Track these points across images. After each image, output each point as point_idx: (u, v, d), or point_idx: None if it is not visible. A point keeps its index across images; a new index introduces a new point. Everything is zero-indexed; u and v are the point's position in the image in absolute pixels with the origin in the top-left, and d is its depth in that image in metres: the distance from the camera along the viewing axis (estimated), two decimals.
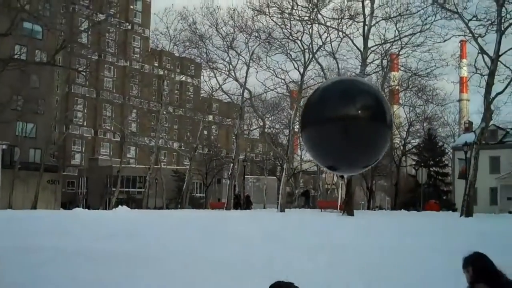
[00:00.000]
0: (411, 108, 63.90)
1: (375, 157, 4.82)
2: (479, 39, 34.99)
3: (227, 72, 49.81)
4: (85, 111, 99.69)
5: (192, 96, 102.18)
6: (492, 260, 5.08)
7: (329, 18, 42.39)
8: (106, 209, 52.94)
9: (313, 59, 43.78)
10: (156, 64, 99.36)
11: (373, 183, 70.42)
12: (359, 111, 4.33)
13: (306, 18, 42.55)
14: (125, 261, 13.79)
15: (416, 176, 60.58)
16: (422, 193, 51.01)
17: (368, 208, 64.55)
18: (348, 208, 35.49)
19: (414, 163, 73.74)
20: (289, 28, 43.73)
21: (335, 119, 4.28)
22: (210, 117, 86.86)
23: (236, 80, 49.44)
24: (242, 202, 54.99)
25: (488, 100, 33.65)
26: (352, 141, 4.34)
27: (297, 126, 41.89)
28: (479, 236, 19.49)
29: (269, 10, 43.48)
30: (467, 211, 32.46)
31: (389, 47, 44.12)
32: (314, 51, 43.29)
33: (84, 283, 10.82)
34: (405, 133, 68.68)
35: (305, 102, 4.73)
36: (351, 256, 14.08)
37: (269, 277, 12.23)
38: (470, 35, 35.43)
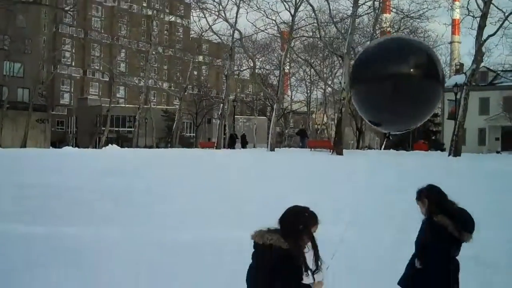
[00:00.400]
0: None
1: (427, 115, 4.90)
2: None
3: (217, 13, 48.96)
4: (73, 51, 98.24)
5: (181, 37, 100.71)
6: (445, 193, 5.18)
7: None
8: (96, 148, 52.95)
9: (304, 0, 43.12)
10: (144, 5, 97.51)
11: (363, 123, 70.66)
12: (412, 69, 4.35)
13: None
14: (117, 197, 13.91)
15: None
16: (411, 133, 51.32)
17: (357, 148, 65.02)
18: (337, 147, 35.70)
19: None
20: None
21: (388, 77, 4.31)
22: (200, 58, 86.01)
23: (226, 20, 48.66)
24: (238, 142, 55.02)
25: (479, 42, 33.50)
26: (404, 99, 4.40)
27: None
28: (467, 175, 19.75)
29: None
30: (455, 151, 32.76)
31: None
32: None
33: (77, 216, 10.92)
34: None
35: (357, 59, 4.64)
36: (340, 193, 14.24)
37: (257, 211, 12.38)
38: None
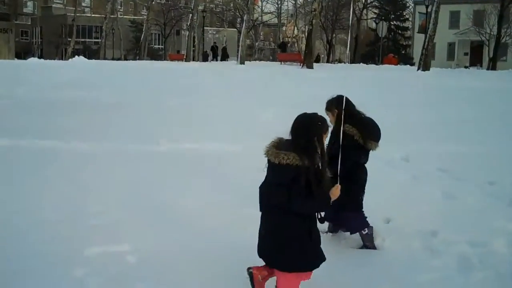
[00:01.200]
0: None
1: None
2: None
3: None
4: None
5: None
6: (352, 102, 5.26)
7: None
8: (62, 59, 51.81)
9: None
10: None
11: (333, 36, 70.24)
12: None
13: None
14: (85, 108, 13.77)
15: (376, 29, 60.39)
16: (381, 47, 51.21)
17: (328, 61, 64.86)
18: (307, 61, 35.55)
19: (374, 16, 73.33)
20: None
21: None
22: None
23: None
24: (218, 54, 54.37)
25: None
26: None
27: None
28: (435, 89, 19.96)
29: None
30: (425, 65, 32.94)
31: None
32: None
33: (44, 129, 10.80)
34: None
35: None
36: (308, 106, 14.26)
37: (228, 124, 12.40)
38: None
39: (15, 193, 6.85)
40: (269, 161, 3.93)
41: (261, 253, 4.09)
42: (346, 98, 5.08)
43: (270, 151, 3.92)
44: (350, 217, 5.38)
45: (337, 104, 5.14)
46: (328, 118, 4.77)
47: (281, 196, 3.84)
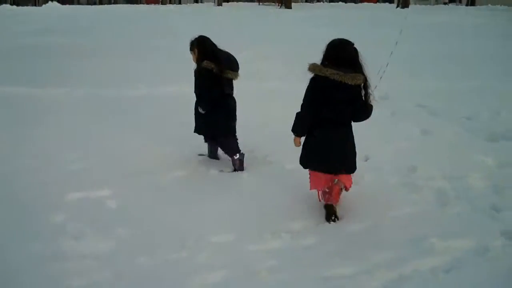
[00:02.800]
0: None
1: None
2: None
3: None
4: None
5: None
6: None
7: None
8: (35, 5, 50.52)
9: None
10: None
11: None
12: None
13: None
14: (63, 55, 13.52)
15: None
16: None
17: (307, 1, 63.96)
18: (286, 1, 35.06)
19: None
20: None
21: None
22: None
23: None
24: None
25: None
26: None
27: None
28: (413, 26, 19.82)
29: None
30: (404, 2, 32.66)
31: None
32: None
33: (19, 75, 10.61)
34: None
35: None
36: (289, 47, 14.18)
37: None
38: None
39: None
40: (340, 82, 4.47)
41: (328, 166, 4.75)
42: (205, 37, 5.79)
43: (345, 76, 4.47)
44: (224, 141, 5.94)
45: (197, 44, 5.74)
46: (192, 57, 5.70)
47: (357, 111, 4.69)
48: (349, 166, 4.81)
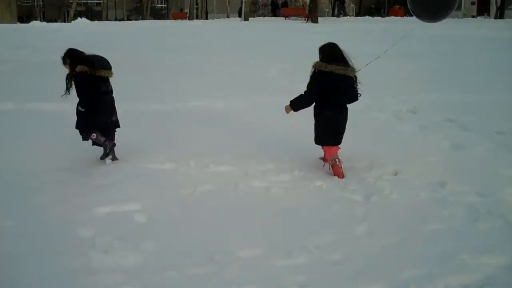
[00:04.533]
0: None
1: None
2: None
3: None
4: None
5: None
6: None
7: None
8: (64, 22, 51.38)
9: None
10: None
11: None
12: None
13: None
14: None
15: None
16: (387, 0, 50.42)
17: (333, 16, 63.98)
18: (312, 15, 35.09)
19: None
20: None
21: None
22: None
23: None
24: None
25: None
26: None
27: None
28: (441, 39, 19.67)
29: None
30: None
31: None
32: None
33: (47, 91, 10.75)
34: None
35: None
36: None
37: (229, 80, 12.34)
38: None
39: (19, 155, 6.87)
40: (343, 75, 5.89)
41: (339, 140, 6.17)
42: (72, 48, 6.43)
43: (348, 69, 5.92)
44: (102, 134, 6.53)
45: (68, 55, 6.36)
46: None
47: (353, 95, 6.06)
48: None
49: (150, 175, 6.11)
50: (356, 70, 6.00)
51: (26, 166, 6.44)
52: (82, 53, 6.38)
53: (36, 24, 34.32)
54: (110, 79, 6.53)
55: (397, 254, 4.32)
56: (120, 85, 9.27)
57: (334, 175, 6.06)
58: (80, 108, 6.40)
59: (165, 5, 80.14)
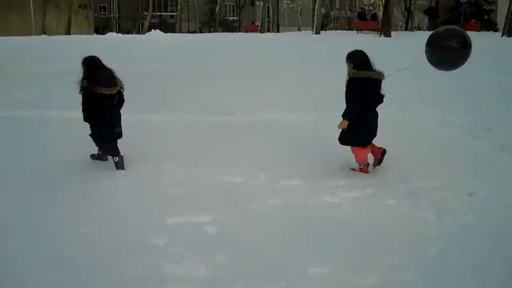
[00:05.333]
0: None
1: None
2: None
3: None
4: None
5: None
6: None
7: None
8: (139, 33, 52.79)
9: None
10: None
11: (412, 2, 68.10)
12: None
13: None
14: (161, 81, 13.98)
15: None
16: (462, 12, 49.26)
17: (406, 29, 63.06)
18: (385, 29, 34.72)
19: None
20: None
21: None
22: None
23: None
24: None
25: None
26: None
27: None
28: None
29: None
30: (509, 31, 31.46)
31: None
32: None
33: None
34: None
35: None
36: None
37: (300, 93, 12.32)
38: None
39: (107, 163, 7.08)
40: (376, 79, 6.27)
41: (371, 140, 6.52)
42: (90, 58, 6.71)
43: (379, 74, 6.30)
44: (106, 146, 6.97)
45: (83, 64, 6.69)
46: None
47: (381, 98, 6.43)
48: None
49: (221, 188, 6.16)
50: (387, 75, 6.41)
51: (104, 178, 6.62)
52: (96, 63, 6.75)
53: (112, 35, 35.39)
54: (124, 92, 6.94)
55: (472, 277, 4.19)
56: (191, 96, 9.45)
57: (361, 171, 6.66)
58: (83, 120, 6.84)
59: (237, 18, 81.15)
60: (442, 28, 6.82)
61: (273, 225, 5.13)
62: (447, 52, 6.33)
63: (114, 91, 6.73)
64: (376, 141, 6.68)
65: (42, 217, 5.28)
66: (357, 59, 6.33)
